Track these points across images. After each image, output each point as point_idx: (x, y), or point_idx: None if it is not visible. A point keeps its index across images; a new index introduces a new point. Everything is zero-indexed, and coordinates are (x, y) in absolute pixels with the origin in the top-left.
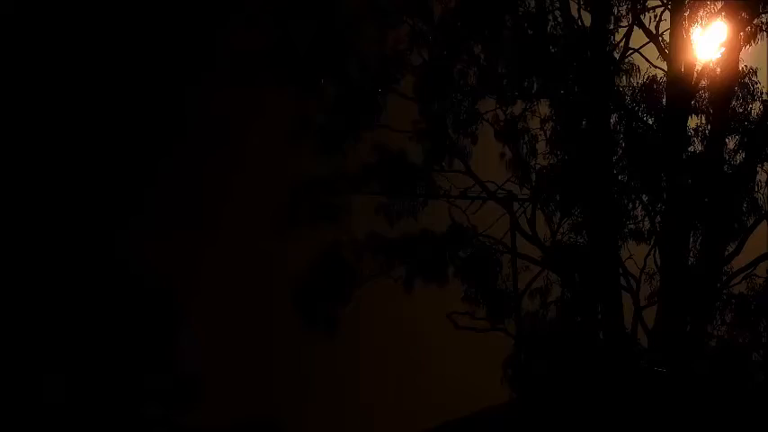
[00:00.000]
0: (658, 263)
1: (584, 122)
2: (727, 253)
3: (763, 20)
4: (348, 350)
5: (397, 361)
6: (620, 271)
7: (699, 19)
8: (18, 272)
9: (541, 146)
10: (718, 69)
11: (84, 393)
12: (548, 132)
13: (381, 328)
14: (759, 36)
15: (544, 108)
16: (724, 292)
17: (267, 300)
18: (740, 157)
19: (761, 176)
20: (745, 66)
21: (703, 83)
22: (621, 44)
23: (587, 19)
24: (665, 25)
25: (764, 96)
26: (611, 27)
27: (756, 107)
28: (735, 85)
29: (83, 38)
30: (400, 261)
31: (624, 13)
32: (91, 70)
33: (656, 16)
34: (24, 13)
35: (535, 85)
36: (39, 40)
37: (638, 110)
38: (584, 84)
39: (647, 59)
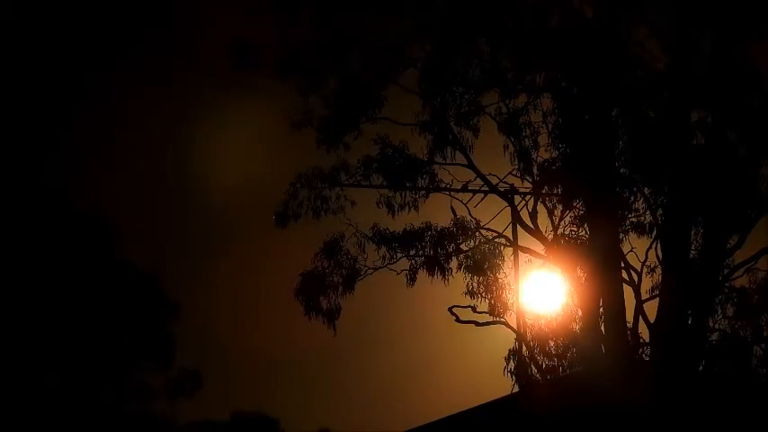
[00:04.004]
0: (660, 256)
1: (586, 115)
2: (728, 246)
3: None
4: (349, 342)
5: (399, 354)
6: (622, 264)
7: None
8: None
9: (543, 139)
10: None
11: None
12: (550, 125)
13: (383, 321)
14: None
15: (547, 101)
16: (726, 285)
17: (268, 292)
18: (743, 150)
19: (764, 170)
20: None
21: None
22: (624, 37)
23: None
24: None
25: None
26: (614, 20)
27: (759, 100)
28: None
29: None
30: (402, 254)
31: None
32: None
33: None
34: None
35: (538, 79)
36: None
37: (640, 102)
38: (586, 77)
39: (649, 52)
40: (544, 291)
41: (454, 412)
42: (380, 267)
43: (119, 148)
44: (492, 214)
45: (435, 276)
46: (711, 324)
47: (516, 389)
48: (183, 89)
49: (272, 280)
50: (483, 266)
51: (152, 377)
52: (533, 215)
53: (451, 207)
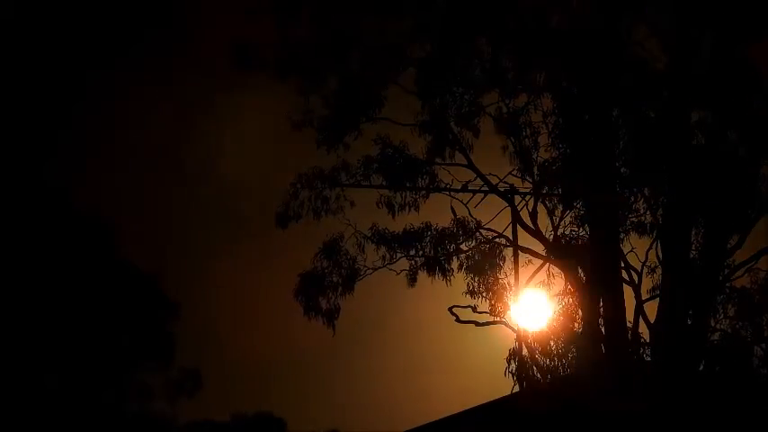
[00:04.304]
0: (660, 256)
1: (586, 115)
2: (729, 246)
3: None
4: (351, 342)
5: (399, 354)
6: (622, 264)
7: None
8: None
9: (543, 139)
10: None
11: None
12: (550, 125)
13: (383, 321)
14: None
15: (547, 101)
16: (726, 285)
17: (268, 292)
18: (743, 150)
19: (764, 170)
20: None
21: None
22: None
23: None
24: None
25: None
26: (614, 20)
27: (759, 100)
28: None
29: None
30: (402, 254)
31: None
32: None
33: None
34: None
35: (538, 79)
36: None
37: (640, 102)
38: (587, 77)
39: (649, 52)
40: (537, 308)
41: (455, 412)
42: (380, 268)
43: (119, 148)
44: (492, 214)
45: (436, 277)
46: (712, 324)
47: (517, 389)
48: (183, 89)
49: (273, 280)
50: (483, 267)
51: (152, 377)
52: (533, 215)
53: (452, 207)
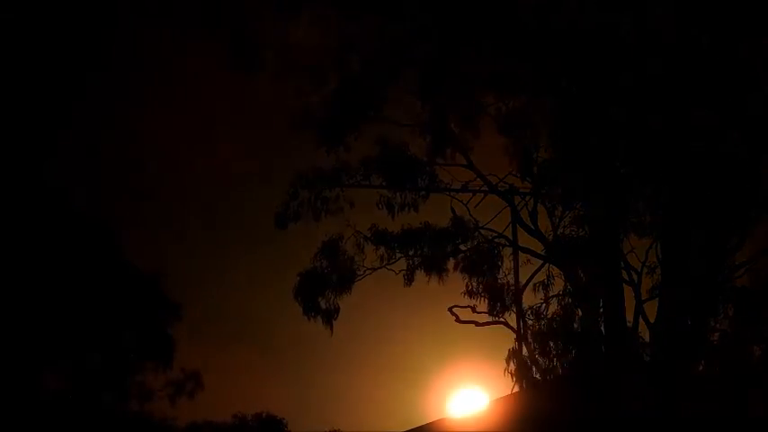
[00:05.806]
0: (660, 256)
1: (586, 115)
2: (729, 246)
3: None
4: (348, 343)
5: (398, 354)
6: (622, 264)
7: None
8: None
9: (543, 139)
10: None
11: None
12: (550, 125)
13: (382, 321)
14: None
15: (547, 101)
16: (726, 285)
17: (267, 292)
18: (743, 150)
19: (764, 170)
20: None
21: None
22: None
23: None
24: None
25: None
26: (614, 20)
27: (759, 100)
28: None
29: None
30: (401, 254)
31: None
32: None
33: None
34: None
35: (538, 79)
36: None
37: (640, 102)
38: (587, 77)
39: (650, 52)
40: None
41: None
42: (379, 268)
43: (119, 148)
44: (492, 215)
45: (434, 277)
46: (712, 324)
47: (516, 389)
48: (183, 89)
49: (273, 280)
50: (482, 267)
51: (153, 378)
52: (533, 215)
53: (451, 207)
